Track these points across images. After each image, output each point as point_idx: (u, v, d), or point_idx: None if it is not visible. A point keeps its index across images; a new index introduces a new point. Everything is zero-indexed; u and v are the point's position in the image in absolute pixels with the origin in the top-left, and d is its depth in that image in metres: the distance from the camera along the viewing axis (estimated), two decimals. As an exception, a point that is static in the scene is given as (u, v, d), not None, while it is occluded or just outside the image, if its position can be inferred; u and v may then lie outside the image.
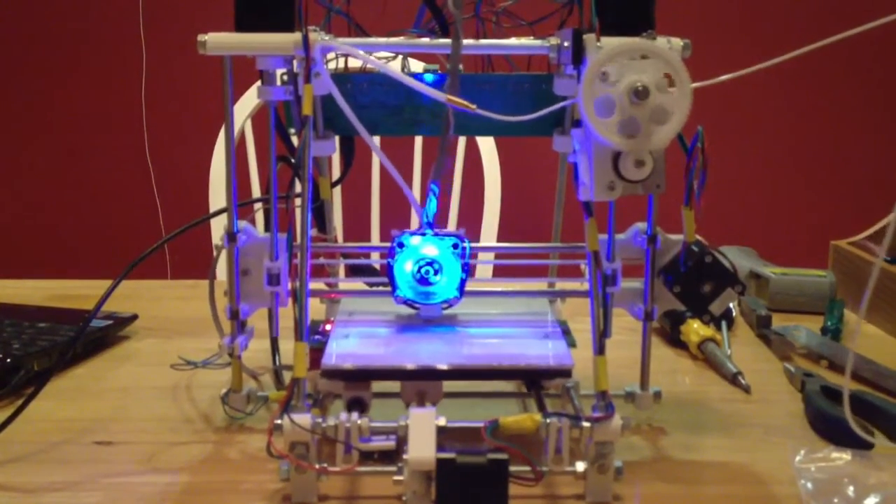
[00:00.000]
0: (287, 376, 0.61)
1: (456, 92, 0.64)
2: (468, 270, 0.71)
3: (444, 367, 0.66)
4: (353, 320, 0.76)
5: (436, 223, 0.72)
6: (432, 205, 0.71)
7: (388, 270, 0.71)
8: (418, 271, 0.71)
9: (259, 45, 0.65)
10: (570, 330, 0.75)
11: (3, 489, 0.64)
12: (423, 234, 0.71)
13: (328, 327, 0.75)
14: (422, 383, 0.67)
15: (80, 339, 0.83)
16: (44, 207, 2.44)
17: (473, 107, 0.63)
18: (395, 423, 0.59)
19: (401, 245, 0.71)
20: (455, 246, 0.71)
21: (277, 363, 0.77)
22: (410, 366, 0.66)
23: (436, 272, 0.71)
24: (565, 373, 0.68)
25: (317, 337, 0.76)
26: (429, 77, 0.73)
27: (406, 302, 0.72)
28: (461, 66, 0.74)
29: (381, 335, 0.72)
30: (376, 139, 0.73)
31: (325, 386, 0.69)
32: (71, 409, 0.79)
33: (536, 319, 0.77)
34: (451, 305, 0.72)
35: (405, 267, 0.71)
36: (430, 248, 0.71)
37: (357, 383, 0.67)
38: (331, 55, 0.67)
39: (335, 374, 0.67)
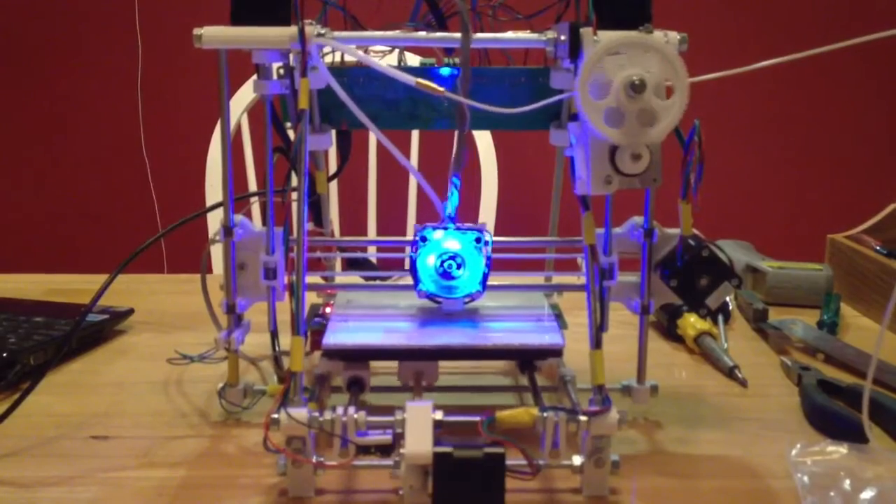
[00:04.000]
0: (286, 361, 0.62)
1: (468, 86, 0.64)
2: (490, 264, 0.71)
3: (441, 346, 0.68)
4: (350, 308, 0.77)
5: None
6: (454, 198, 0.71)
7: (410, 264, 0.72)
8: (441, 265, 0.71)
9: (255, 39, 0.65)
10: (561, 313, 0.76)
11: (-1, 484, 0.64)
12: (446, 229, 0.71)
13: (328, 310, 0.76)
14: (419, 364, 0.69)
15: (77, 333, 0.83)
16: (40, 202, 2.44)
17: (441, 90, 0.63)
18: (391, 418, 0.59)
19: (423, 239, 0.71)
20: (477, 240, 0.71)
21: (277, 349, 0.77)
22: (408, 345, 0.68)
23: (458, 266, 0.71)
24: (556, 352, 0.69)
25: (317, 319, 0.76)
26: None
27: (429, 296, 0.72)
28: (457, 60, 0.74)
29: (379, 321, 0.74)
30: (373, 134, 0.73)
31: (325, 366, 0.69)
32: (67, 403, 0.78)
33: (531, 308, 0.77)
34: (473, 299, 0.73)
35: (428, 261, 0.71)
36: (452, 242, 0.71)
37: (356, 363, 0.68)
38: (327, 48, 0.67)
39: (335, 353, 0.69)
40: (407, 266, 0.73)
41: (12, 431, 0.70)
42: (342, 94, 0.67)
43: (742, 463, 0.68)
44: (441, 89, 0.63)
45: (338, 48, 0.66)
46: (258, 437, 0.59)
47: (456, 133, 0.69)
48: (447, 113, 0.77)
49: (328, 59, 0.75)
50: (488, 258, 0.71)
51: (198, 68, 2.13)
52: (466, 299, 0.73)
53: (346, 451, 0.60)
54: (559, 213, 0.85)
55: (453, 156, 0.69)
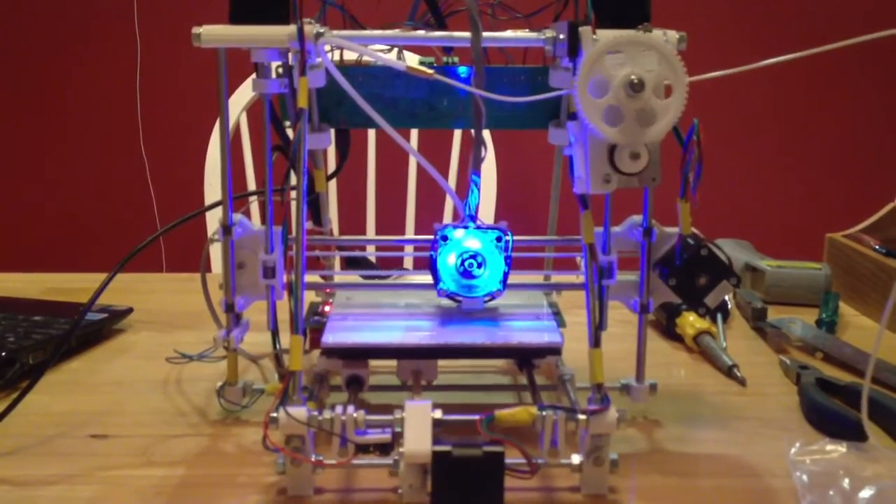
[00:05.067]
0: (287, 360, 0.62)
1: (482, 84, 0.64)
2: (510, 263, 0.71)
3: (439, 344, 0.68)
4: (349, 306, 0.77)
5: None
6: (474, 197, 0.71)
7: (430, 263, 0.72)
8: (461, 264, 0.71)
9: (254, 38, 0.65)
10: (560, 311, 0.76)
11: (-2, 482, 0.64)
12: (466, 228, 0.71)
13: (327, 309, 0.76)
14: (417, 362, 0.69)
15: (75, 332, 0.83)
16: (39, 200, 2.44)
17: (431, 72, 0.63)
18: (390, 416, 0.59)
19: (444, 238, 0.71)
20: (498, 239, 0.71)
21: (278, 347, 0.77)
22: (407, 344, 0.68)
23: (479, 265, 0.71)
24: (555, 350, 0.69)
25: (315, 318, 0.76)
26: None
27: (449, 295, 0.72)
28: (456, 59, 0.74)
29: (378, 320, 0.74)
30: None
31: (324, 364, 0.69)
32: (66, 402, 0.78)
33: (530, 307, 0.77)
34: (493, 298, 0.73)
35: (448, 260, 0.71)
36: (473, 241, 0.71)
37: (355, 361, 0.68)
38: (326, 47, 0.67)
39: (334, 352, 0.69)
40: (406, 265, 0.73)
41: (11, 430, 0.70)
42: (349, 89, 0.66)
43: (741, 462, 0.68)
44: (431, 72, 0.63)
45: (339, 44, 0.66)
46: (257, 435, 0.59)
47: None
48: (446, 112, 0.77)
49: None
50: (508, 257, 0.71)
51: (197, 67, 2.13)
52: (487, 298, 0.73)
53: (345, 449, 0.60)
54: (558, 211, 0.85)
55: (472, 154, 0.69)
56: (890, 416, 0.72)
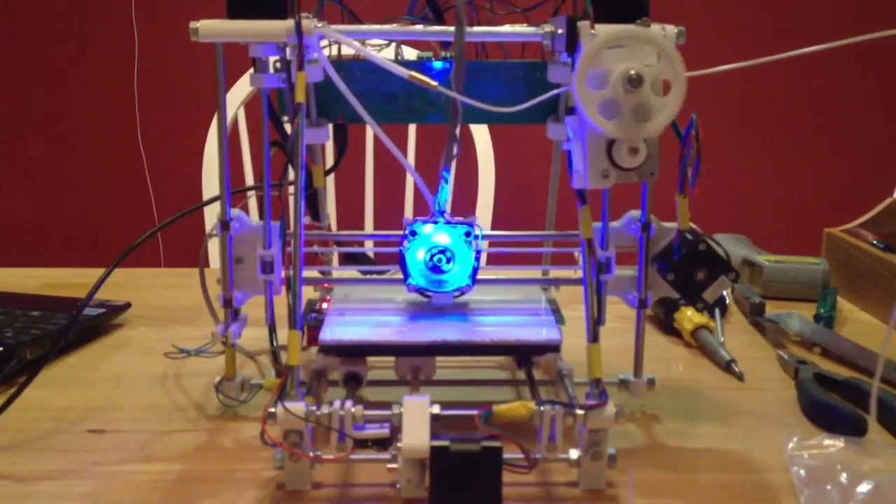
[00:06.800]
0: (284, 356, 0.62)
1: (462, 80, 0.64)
2: (479, 258, 0.71)
3: (437, 342, 0.68)
4: (347, 302, 0.76)
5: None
6: (444, 192, 0.71)
7: (400, 258, 0.71)
8: (430, 259, 0.71)
9: (251, 33, 0.65)
10: (559, 308, 0.76)
11: (-4, 478, 0.64)
12: (436, 222, 0.71)
13: (325, 305, 0.76)
14: (416, 359, 0.69)
15: (73, 327, 0.83)
16: (37, 196, 2.43)
17: (434, 84, 0.63)
18: (388, 411, 0.59)
19: (413, 233, 0.71)
20: (467, 234, 0.71)
21: (275, 343, 0.77)
22: (405, 341, 0.68)
23: (448, 260, 0.71)
24: (554, 348, 0.69)
25: (313, 315, 0.76)
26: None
27: (418, 290, 0.72)
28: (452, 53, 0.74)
29: (376, 316, 0.73)
30: (369, 127, 0.73)
31: (322, 362, 0.69)
32: (64, 397, 0.78)
33: (528, 303, 0.77)
34: (463, 293, 0.73)
35: (417, 255, 0.71)
36: (442, 236, 0.71)
37: (353, 359, 0.68)
38: (323, 42, 0.67)
39: (332, 349, 0.69)
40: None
41: (9, 425, 0.70)
42: (341, 86, 0.66)
43: (739, 457, 0.68)
44: (434, 83, 0.63)
45: (336, 39, 0.66)
46: (255, 430, 0.59)
47: (449, 127, 0.69)
48: (444, 107, 0.76)
49: (324, 52, 0.74)
50: (478, 252, 0.71)
51: (194, 62, 2.13)
52: (456, 293, 0.73)
53: (343, 444, 0.60)
54: (556, 207, 0.85)
55: (444, 150, 0.69)
56: (889, 412, 0.72)
